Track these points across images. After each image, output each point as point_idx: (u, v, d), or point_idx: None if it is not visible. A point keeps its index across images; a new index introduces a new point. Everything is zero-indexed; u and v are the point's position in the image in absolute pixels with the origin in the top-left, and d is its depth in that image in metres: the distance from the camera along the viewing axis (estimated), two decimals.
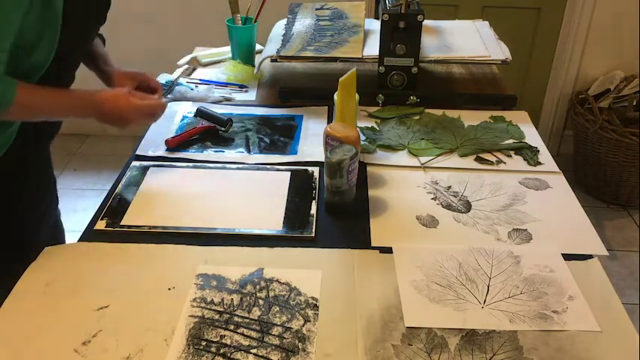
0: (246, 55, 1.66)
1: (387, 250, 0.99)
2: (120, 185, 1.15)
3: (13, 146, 1.09)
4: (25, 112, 1.00)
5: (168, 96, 1.48)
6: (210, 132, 1.34)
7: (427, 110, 1.45)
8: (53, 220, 1.30)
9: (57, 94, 1.04)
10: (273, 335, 0.83)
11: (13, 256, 1.11)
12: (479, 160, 1.26)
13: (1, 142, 1.07)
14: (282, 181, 1.17)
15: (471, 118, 1.42)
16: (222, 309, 0.87)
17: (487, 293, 0.91)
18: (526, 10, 2.71)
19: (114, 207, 1.09)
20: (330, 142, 1.12)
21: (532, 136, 1.35)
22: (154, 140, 1.31)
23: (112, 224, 1.05)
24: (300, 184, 1.16)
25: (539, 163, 1.25)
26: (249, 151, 1.29)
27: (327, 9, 1.74)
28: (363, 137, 1.31)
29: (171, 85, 1.18)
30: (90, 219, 1.07)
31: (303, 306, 0.88)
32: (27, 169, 1.16)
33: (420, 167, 1.24)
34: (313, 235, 1.03)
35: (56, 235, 1.31)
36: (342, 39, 1.56)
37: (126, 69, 1.27)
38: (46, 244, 1.00)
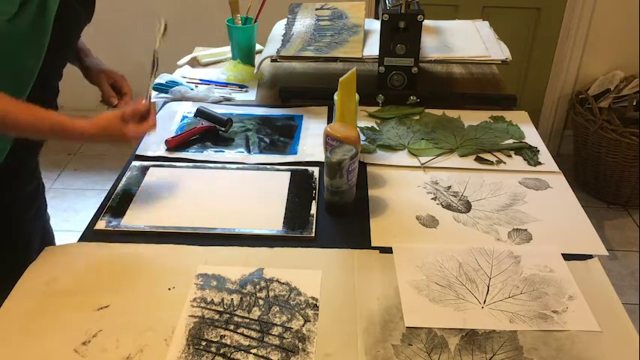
0: (246, 55, 1.66)
1: (387, 250, 0.99)
2: (120, 185, 1.15)
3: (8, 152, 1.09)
4: None
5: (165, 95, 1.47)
6: (210, 132, 1.34)
7: (427, 110, 1.45)
8: (42, 224, 1.30)
9: (39, 113, 0.97)
10: (273, 335, 0.83)
11: (11, 256, 1.11)
12: (479, 160, 1.26)
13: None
14: (282, 181, 1.17)
15: (471, 118, 1.42)
16: (222, 309, 0.87)
17: (487, 293, 0.91)
18: (526, 10, 2.71)
19: (114, 207, 1.09)
20: (330, 142, 1.12)
21: (532, 136, 1.35)
22: (154, 140, 1.31)
23: (112, 224, 1.04)
24: (300, 184, 1.16)
25: (539, 163, 1.25)
26: (249, 151, 1.29)
27: (327, 9, 1.74)
28: (363, 137, 1.31)
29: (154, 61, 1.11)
30: (90, 219, 1.07)
31: (303, 306, 0.88)
32: (18, 173, 1.17)
33: (420, 167, 1.24)
34: (313, 235, 1.03)
35: (45, 239, 1.31)
36: (342, 39, 1.56)
37: (103, 66, 1.26)
38: (38, 246, 0.99)
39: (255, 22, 1.65)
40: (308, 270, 0.95)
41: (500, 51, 1.53)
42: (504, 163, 1.26)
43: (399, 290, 0.91)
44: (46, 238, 1.32)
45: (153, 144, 1.30)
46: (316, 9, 1.75)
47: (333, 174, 1.04)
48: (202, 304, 0.88)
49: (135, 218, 1.06)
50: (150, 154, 1.27)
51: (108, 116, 1.02)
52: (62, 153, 2.95)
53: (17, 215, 1.19)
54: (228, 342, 0.82)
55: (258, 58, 1.65)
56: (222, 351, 0.80)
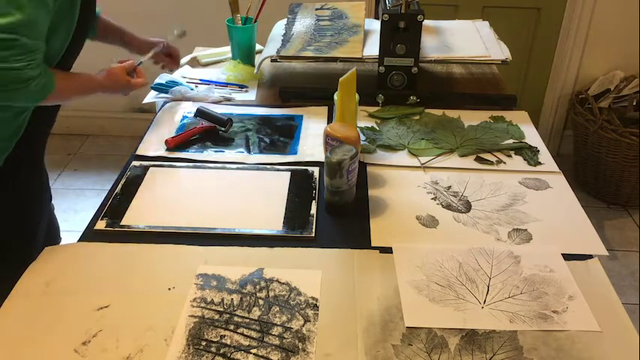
0: (246, 55, 1.66)
1: (387, 250, 0.99)
2: (120, 185, 1.15)
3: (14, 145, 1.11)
4: (58, 99, 1.11)
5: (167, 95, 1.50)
6: (210, 132, 1.34)
7: (427, 110, 1.45)
8: (47, 215, 1.31)
9: (84, 79, 1.18)
10: (273, 335, 0.83)
11: (12, 255, 1.11)
12: (479, 160, 1.26)
13: (10, 133, 1.09)
14: (282, 181, 1.17)
15: (471, 118, 1.42)
16: (222, 309, 0.87)
17: (487, 293, 0.91)
18: (526, 10, 2.71)
19: (114, 207, 1.09)
20: (330, 142, 1.12)
21: (532, 136, 1.35)
22: (154, 140, 1.31)
23: (112, 224, 1.04)
24: (300, 184, 1.16)
25: (539, 163, 1.25)
26: (249, 151, 1.29)
27: (327, 9, 1.74)
28: (363, 137, 1.31)
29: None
30: (90, 219, 1.07)
31: (303, 306, 0.88)
32: (21, 169, 1.17)
33: (420, 167, 1.24)
34: (313, 235, 1.03)
35: (51, 230, 1.32)
36: (342, 39, 1.56)
37: (141, 38, 1.43)
38: (43, 239, 1.00)
39: (255, 22, 1.65)
40: (308, 270, 0.95)
41: (500, 51, 1.54)
42: (504, 163, 1.26)
43: (399, 290, 0.91)
44: (52, 229, 1.32)
45: (153, 144, 1.30)
46: (316, 9, 1.75)
47: (333, 174, 1.04)
48: (202, 304, 0.88)
49: (135, 218, 1.06)
50: (150, 154, 1.27)
51: (117, 71, 1.25)
52: (62, 153, 2.95)
53: (21, 211, 1.19)
54: (228, 342, 0.82)
55: (258, 58, 1.65)
56: (222, 351, 0.80)
